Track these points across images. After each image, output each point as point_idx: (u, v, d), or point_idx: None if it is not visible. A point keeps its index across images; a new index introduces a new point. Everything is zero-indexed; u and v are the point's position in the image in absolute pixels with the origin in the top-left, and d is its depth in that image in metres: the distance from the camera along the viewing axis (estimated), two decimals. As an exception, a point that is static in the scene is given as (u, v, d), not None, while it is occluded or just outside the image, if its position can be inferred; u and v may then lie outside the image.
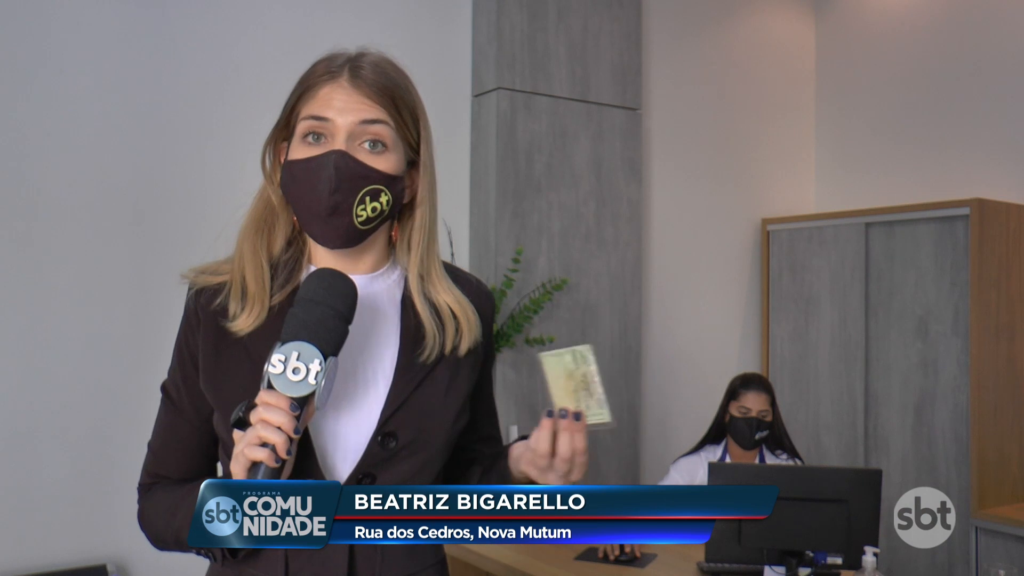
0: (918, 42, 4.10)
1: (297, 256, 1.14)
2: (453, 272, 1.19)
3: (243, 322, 1.08)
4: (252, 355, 1.07)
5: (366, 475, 1.06)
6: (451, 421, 1.11)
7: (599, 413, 1.04)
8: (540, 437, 1.01)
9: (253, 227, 1.12)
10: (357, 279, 1.09)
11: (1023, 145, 3.71)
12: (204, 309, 1.11)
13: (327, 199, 1.03)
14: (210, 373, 1.10)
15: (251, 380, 1.06)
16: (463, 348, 1.12)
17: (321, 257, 1.13)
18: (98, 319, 2.73)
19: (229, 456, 1.08)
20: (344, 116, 1.04)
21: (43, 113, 2.67)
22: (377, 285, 1.13)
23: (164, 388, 1.17)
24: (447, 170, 3.39)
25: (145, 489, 1.18)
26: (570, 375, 1.04)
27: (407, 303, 1.12)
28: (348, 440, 1.07)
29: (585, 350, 1.04)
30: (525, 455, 1.06)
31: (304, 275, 1.13)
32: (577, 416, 1.02)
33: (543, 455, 1.01)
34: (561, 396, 1.03)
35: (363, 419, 1.07)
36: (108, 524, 2.69)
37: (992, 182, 3.74)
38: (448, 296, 1.12)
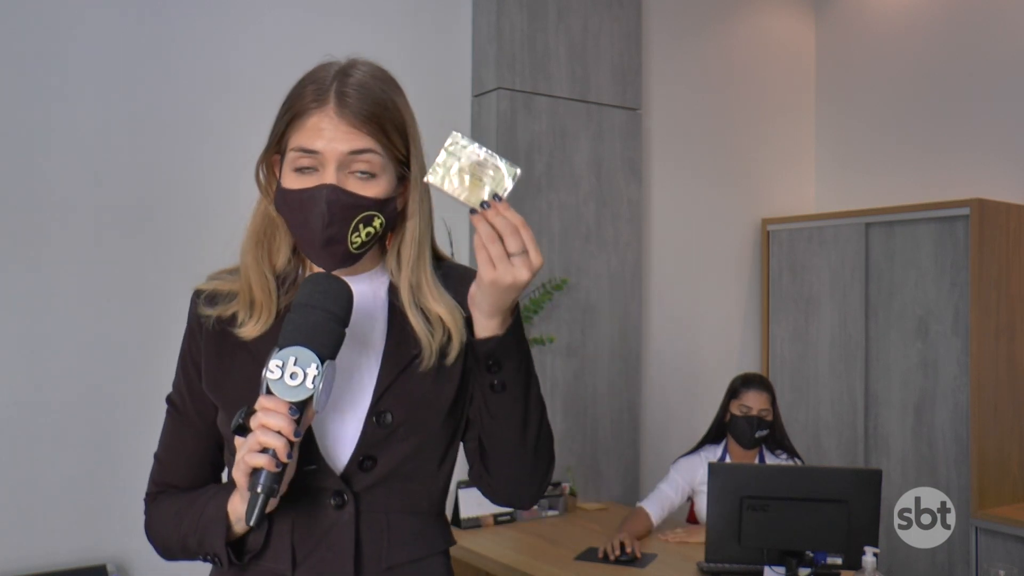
0: (918, 42, 4.10)
1: (298, 264, 1.17)
2: (445, 270, 1.19)
3: (251, 329, 1.10)
4: (256, 357, 1.09)
5: (367, 457, 1.08)
6: (446, 407, 1.12)
7: (507, 172, 1.00)
8: (481, 230, 0.98)
9: (253, 241, 1.14)
10: (349, 280, 1.10)
11: (1023, 145, 3.72)
12: (206, 315, 1.13)
13: (321, 232, 1.05)
14: (213, 375, 1.12)
15: (255, 380, 1.07)
16: (452, 354, 1.12)
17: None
18: (99, 320, 2.73)
19: (233, 455, 1.09)
20: (332, 146, 1.05)
21: (45, 115, 2.67)
22: (363, 285, 1.14)
23: (169, 399, 1.19)
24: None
25: (152, 499, 1.19)
26: (460, 171, 1.00)
27: (393, 303, 1.14)
28: (346, 426, 1.09)
29: (451, 139, 1.00)
30: (475, 289, 1.03)
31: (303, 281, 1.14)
32: (498, 198, 0.99)
33: (491, 238, 0.98)
34: (467, 194, 1.00)
35: (358, 405, 1.09)
36: (108, 524, 2.69)
37: (992, 182, 3.74)
38: (438, 305, 1.13)
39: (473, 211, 0.99)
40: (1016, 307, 3.52)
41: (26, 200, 2.65)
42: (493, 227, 0.98)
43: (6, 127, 2.62)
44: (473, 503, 3.03)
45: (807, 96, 4.53)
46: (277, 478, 0.95)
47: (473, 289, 1.04)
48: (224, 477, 1.20)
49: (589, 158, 3.58)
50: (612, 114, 3.64)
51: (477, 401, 1.12)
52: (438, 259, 1.19)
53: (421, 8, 3.37)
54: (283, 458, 0.94)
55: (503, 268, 0.99)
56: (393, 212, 1.11)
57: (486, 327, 1.05)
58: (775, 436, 2.96)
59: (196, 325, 1.15)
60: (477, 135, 3.45)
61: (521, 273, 0.99)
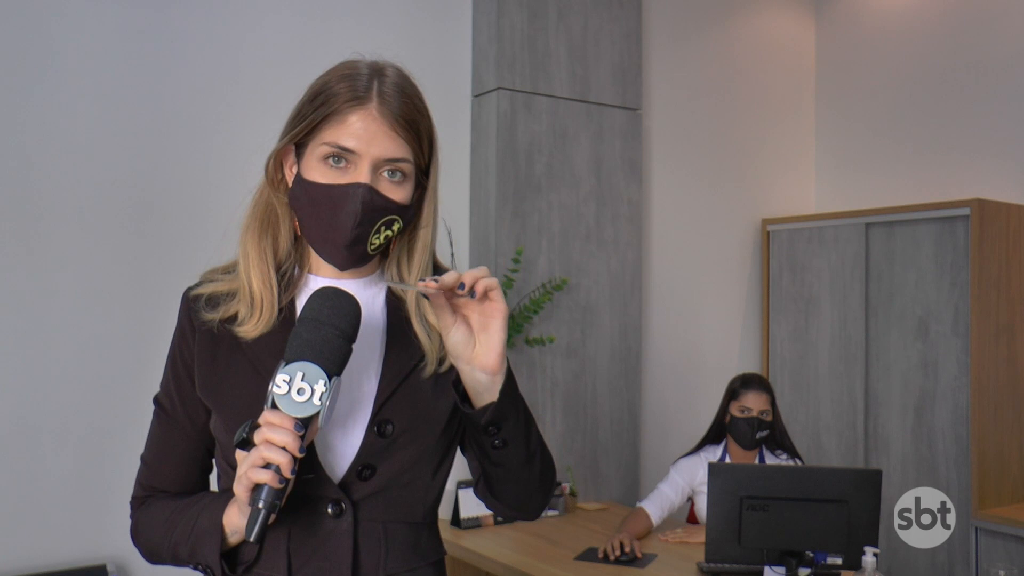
0: (918, 42, 4.10)
1: (296, 260, 1.15)
2: None
3: (251, 328, 1.08)
4: (253, 361, 1.08)
5: (366, 467, 1.07)
6: (444, 418, 1.11)
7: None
8: (443, 279, 1.00)
9: (257, 232, 1.12)
10: (350, 284, 1.10)
11: (1023, 145, 3.72)
12: (198, 317, 1.11)
13: (350, 232, 1.04)
14: (207, 379, 1.10)
15: (252, 385, 1.06)
16: (447, 363, 1.12)
17: (320, 265, 1.14)
18: (99, 319, 2.73)
19: (228, 462, 1.08)
20: (371, 148, 1.04)
21: (45, 115, 2.67)
22: (363, 290, 1.14)
23: (157, 400, 1.17)
24: (447, 170, 3.36)
25: (139, 503, 1.18)
26: None
27: (390, 310, 1.14)
28: (346, 436, 1.08)
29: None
30: (481, 354, 1.04)
31: (303, 283, 1.14)
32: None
33: (451, 284, 1.00)
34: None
35: (359, 413, 1.08)
36: (108, 524, 2.69)
37: (992, 182, 3.74)
38: (432, 314, 1.13)
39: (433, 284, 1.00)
40: (1016, 307, 3.51)
41: (25, 200, 2.64)
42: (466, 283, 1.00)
43: (4, 127, 2.62)
44: (473, 503, 3.02)
45: (807, 96, 4.53)
46: (279, 494, 0.94)
47: (474, 356, 1.04)
48: (213, 480, 1.19)
49: (589, 158, 3.58)
50: (612, 114, 3.64)
51: (476, 452, 1.12)
52: (436, 268, 1.19)
53: (421, 8, 3.37)
54: (287, 474, 0.93)
55: (497, 295, 1.02)
56: (411, 218, 1.11)
57: (487, 389, 1.05)
58: (775, 436, 2.96)
59: (189, 328, 1.12)
60: (477, 135, 3.45)
61: (494, 312, 1.03)
